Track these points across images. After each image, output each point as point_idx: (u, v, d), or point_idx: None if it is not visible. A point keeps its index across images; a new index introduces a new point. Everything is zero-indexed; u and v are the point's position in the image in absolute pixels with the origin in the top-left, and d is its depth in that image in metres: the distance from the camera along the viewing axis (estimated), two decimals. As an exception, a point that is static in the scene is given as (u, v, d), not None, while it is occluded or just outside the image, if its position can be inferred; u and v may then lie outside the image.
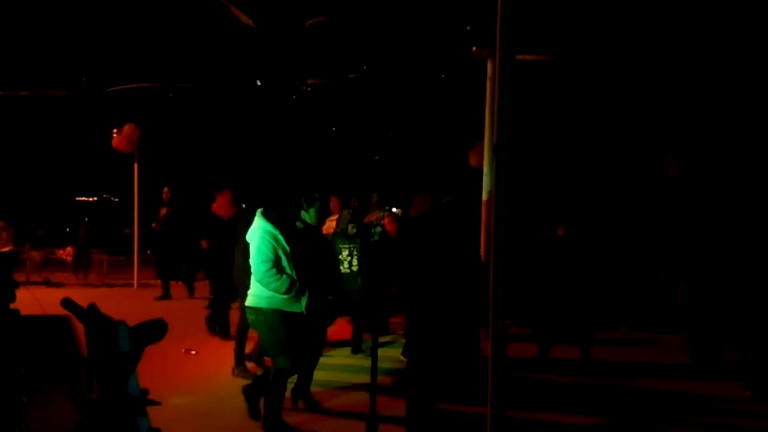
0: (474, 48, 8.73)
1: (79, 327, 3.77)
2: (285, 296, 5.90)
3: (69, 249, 17.41)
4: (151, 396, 3.68)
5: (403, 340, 9.43)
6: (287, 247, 5.92)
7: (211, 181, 18.05)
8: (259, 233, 6.01)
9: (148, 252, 15.77)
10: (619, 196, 14.37)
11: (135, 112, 20.09)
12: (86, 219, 24.42)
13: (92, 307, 3.65)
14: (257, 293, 6.06)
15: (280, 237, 5.93)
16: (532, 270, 9.29)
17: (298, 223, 6.28)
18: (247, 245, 6.62)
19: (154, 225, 14.35)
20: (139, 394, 3.57)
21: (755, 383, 7.36)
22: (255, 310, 6.06)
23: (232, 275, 8.32)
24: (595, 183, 16.20)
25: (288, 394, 6.29)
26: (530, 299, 9.39)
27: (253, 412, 6.19)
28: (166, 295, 13.75)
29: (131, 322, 3.68)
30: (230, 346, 9.35)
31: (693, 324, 8.61)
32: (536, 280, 9.22)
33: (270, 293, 5.94)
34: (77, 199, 33.99)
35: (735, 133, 16.09)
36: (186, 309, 12.43)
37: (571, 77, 17.72)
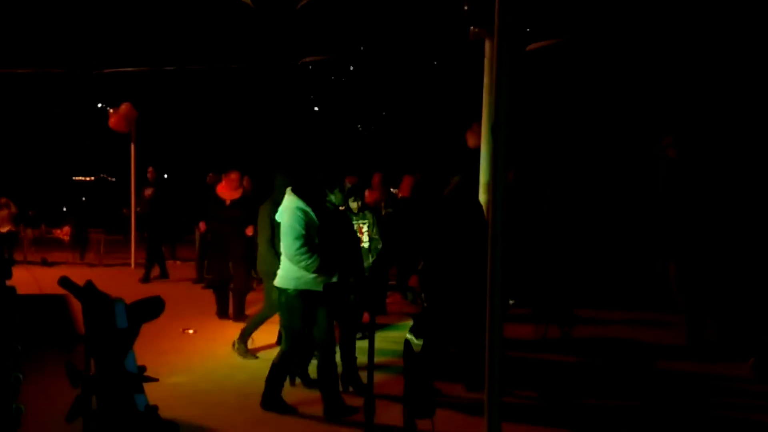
0: (472, 27, 8.67)
1: (77, 305, 3.77)
2: (314, 275, 5.86)
3: (66, 229, 17.39)
4: (149, 374, 3.69)
5: (398, 322, 9.50)
6: (318, 223, 5.88)
7: (208, 162, 18.02)
8: (290, 210, 5.93)
9: (145, 234, 15.72)
10: (617, 176, 14.37)
11: (132, 91, 20.02)
12: (83, 199, 24.38)
13: (89, 284, 3.66)
14: (285, 274, 6.01)
15: (312, 214, 5.87)
16: (525, 249, 9.32)
17: (327, 204, 6.23)
18: (269, 230, 7.06)
19: (139, 208, 14.28)
20: (136, 370, 3.58)
21: (760, 354, 7.39)
22: (280, 290, 6.03)
23: (256, 263, 8.23)
24: (593, 163, 16.20)
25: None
26: (527, 279, 9.42)
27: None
28: (163, 275, 13.72)
29: (128, 301, 3.68)
30: (227, 325, 9.40)
31: (689, 304, 8.64)
32: (528, 259, 9.25)
33: (298, 274, 5.87)
34: (74, 178, 33.93)
35: (734, 115, 16.08)
36: (183, 289, 12.47)
37: (570, 57, 17.66)
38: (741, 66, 16.24)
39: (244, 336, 7.95)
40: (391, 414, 5.55)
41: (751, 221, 7.83)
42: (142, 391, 3.60)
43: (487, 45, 8.84)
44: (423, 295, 7.75)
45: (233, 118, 29.00)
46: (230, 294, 9.94)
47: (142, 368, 3.64)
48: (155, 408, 3.62)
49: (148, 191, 13.88)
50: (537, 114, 18.46)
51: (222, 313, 9.88)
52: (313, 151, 25.79)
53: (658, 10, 15.88)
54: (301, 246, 5.80)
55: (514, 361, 7.37)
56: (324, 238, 5.92)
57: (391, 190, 11.68)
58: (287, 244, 5.90)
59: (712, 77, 16.75)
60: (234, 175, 9.86)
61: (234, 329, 9.12)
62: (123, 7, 25.41)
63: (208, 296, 10.59)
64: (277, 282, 6.09)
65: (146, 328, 3.73)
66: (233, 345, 7.96)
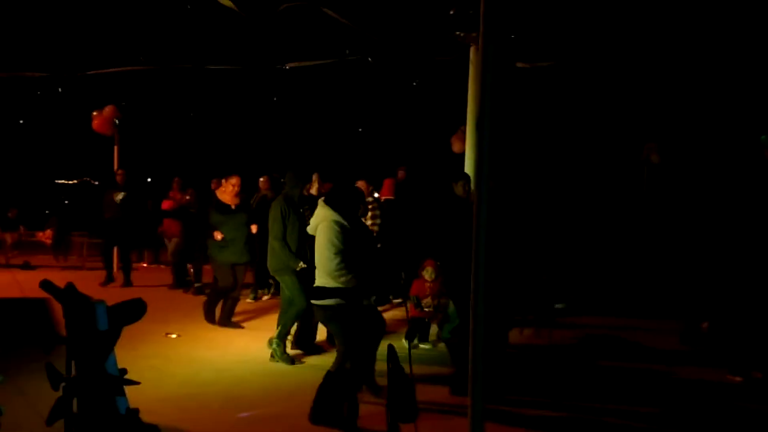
0: (457, 33, 8.70)
1: (59, 309, 3.74)
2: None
3: (48, 232, 17.31)
4: (130, 377, 3.66)
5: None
6: (353, 235, 5.79)
7: (192, 165, 17.97)
8: (327, 223, 5.81)
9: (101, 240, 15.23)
10: (601, 182, 14.42)
11: (115, 94, 19.93)
12: (66, 202, 24.21)
13: (70, 286, 3.63)
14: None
15: (348, 227, 5.78)
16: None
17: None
18: (281, 227, 7.56)
19: (107, 214, 13.32)
20: (117, 373, 3.55)
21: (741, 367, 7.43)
22: (322, 307, 5.84)
23: (267, 262, 8.15)
24: (577, 169, 16.26)
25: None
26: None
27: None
28: (109, 279, 13.26)
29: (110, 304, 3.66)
30: (211, 330, 9.36)
31: (684, 308, 8.68)
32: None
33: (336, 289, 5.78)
34: (57, 181, 33.73)
35: (716, 121, 16.19)
36: (167, 293, 12.40)
37: (554, 67, 17.74)
38: (723, 73, 16.36)
39: (282, 336, 7.87)
40: (374, 418, 5.54)
41: (734, 226, 7.87)
42: (123, 394, 3.57)
43: (472, 50, 8.88)
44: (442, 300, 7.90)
45: (218, 121, 28.94)
46: (223, 299, 9.73)
47: (124, 371, 3.62)
48: (136, 411, 3.59)
49: (119, 196, 13.44)
50: (518, 120, 18.51)
51: (210, 318, 9.73)
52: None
53: (642, 18, 15.99)
54: (341, 261, 5.68)
55: (500, 364, 7.37)
56: (358, 250, 5.82)
57: (375, 195, 11.68)
58: (326, 258, 5.76)
59: (695, 83, 16.87)
60: (235, 180, 9.66)
61: (218, 334, 9.11)
62: (107, 10, 25.33)
63: (191, 301, 10.53)
64: (316, 300, 5.93)
65: (128, 332, 3.70)
66: (271, 355, 7.82)
